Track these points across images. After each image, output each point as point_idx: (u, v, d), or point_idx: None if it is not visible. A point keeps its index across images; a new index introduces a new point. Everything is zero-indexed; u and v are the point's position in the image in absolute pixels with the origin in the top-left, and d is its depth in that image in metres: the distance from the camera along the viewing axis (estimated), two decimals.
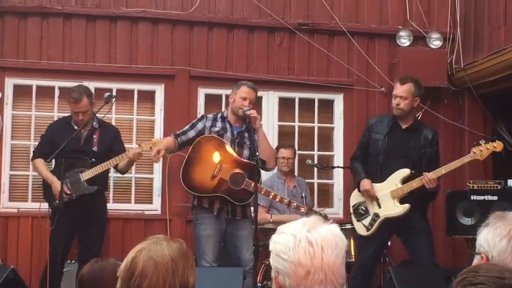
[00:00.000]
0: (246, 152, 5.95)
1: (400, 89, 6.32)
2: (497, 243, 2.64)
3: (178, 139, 6.28)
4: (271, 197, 6.08)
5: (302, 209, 6.06)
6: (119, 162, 6.61)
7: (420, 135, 6.38)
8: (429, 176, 6.06)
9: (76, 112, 6.50)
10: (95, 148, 6.59)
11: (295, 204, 6.11)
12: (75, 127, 6.54)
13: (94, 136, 6.63)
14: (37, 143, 7.02)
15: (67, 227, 6.32)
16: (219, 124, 6.23)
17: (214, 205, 6.07)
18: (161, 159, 6.45)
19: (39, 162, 6.64)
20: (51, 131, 6.72)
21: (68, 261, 6.77)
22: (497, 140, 6.27)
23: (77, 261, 6.69)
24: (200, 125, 6.31)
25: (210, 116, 6.36)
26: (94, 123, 6.68)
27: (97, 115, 6.72)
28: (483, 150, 6.12)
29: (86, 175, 6.48)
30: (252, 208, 6.13)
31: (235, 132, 6.17)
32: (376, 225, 6.24)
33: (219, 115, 6.32)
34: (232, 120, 6.22)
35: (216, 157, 6.01)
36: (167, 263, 2.36)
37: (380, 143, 6.37)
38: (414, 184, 6.15)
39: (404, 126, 6.40)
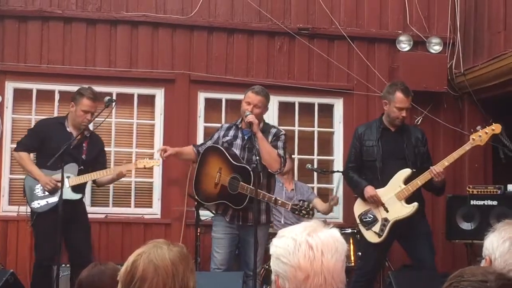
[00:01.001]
0: (255, 157, 5.95)
1: (407, 102, 6.32)
2: (500, 246, 2.68)
3: (199, 148, 6.50)
4: (260, 197, 6.07)
5: (287, 206, 6.06)
6: (108, 175, 6.63)
7: (410, 135, 6.43)
8: (437, 169, 6.08)
9: (87, 111, 6.46)
10: (84, 156, 6.52)
11: (280, 201, 6.11)
12: (68, 129, 6.51)
13: (84, 145, 6.56)
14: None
15: (51, 230, 6.29)
16: (231, 132, 6.31)
17: (227, 212, 6.16)
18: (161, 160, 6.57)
19: (25, 155, 6.56)
20: (44, 128, 6.62)
21: (64, 265, 6.70)
22: (493, 123, 6.26)
23: (70, 266, 6.61)
24: (215, 135, 6.46)
25: (226, 125, 6.49)
26: (86, 132, 6.62)
27: (96, 119, 6.69)
28: (482, 135, 6.13)
29: (72, 181, 6.42)
30: (264, 216, 6.21)
31: (245, 137, 6.21)
32: (387, 230, 6.19)
33: (234, 124, 6.39)
34: (244, 126, 6.26)
35: (216, 165, 6.16)
36: (167, 267, 2.37)
37: (375, 149, 6.37)
38: (419, 181, 6.16)
39: (393, 129, 6.42)
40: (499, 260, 2.63)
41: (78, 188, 6.50)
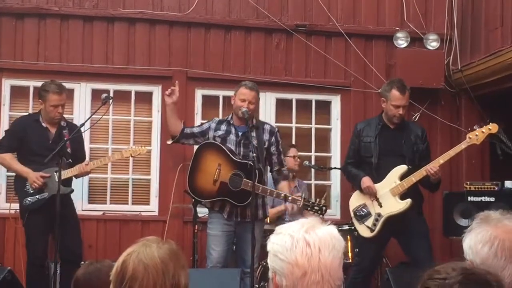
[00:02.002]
0: (251, 153, 5.94)
1: (404, 99, 6.29)
2: (479, 250, 2.58)
3: (186, 128, 6.43)
4: (268, 194, 6.08)
5: (298, 203, 6.04)
6: (100, 164, 6.61)
7: (409, 132, 6.43)
8: (433, 168, 6.07)
9: (56, 105, 6.42)
10: (69, 150, 6.45)
11: (290, 197, 6.08)
12: (44, 125, 6.50)
13: (65, 138, 6.43)
14: None
15: (43, 227, 6.29)
16: (223, 127, 6.28)
17: (224, 208, 6.13)
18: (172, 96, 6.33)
19: (9, 156, 6.53)
20: (21, 127, 6.60)
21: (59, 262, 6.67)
22: (490, 123, 6.27)
23: (60, 263, 6.42)
24: (205, 125, 6.42)
25: (217, 119, 6.45)
26: (62, 122, 6.61)
27: (94, 116, 6.69)
28: (478, 134, 6.13)
29: (62, 175, 6.21)
30: (261, 211, 6.23)
31: (239, 133, 6.20)
32: (379, 224, 6.21)
33: (226, 119, 6.38)
34: (236, 122, 6.25)
35: (214, 162, 6.10)
36: (156, 265, 2.36)
37: (372, 145, 6.38)
38: (414, 178, 6.16)
39: (392, 127, 6.42)
40: (482, 267, 2.55)
41: (67, 182, 6.47)
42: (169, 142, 6.59)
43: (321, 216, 5.93)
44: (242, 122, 6.17)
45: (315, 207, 5.94)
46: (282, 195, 6.07)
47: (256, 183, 5.77)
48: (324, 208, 5.98)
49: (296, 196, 6.15)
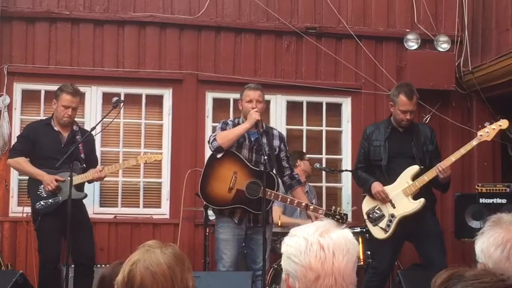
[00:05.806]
0: (263, 159, 5.91)
1: (411, 105, 6.27)
2: (492, 253, 2.57)
3: None
4: (288, 202, 6.08)
5: (320, 211, 6.03)
6: (115, 170, 6.62)
7: (419, 134, 6.42)
8: (443, 166, 6.07)
9: (67, 107, 6.42)
10: (82, 155, 6.45)
11: (312, 207, 6.07)
12: (56, 128, 6.49)
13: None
14: None
15: (55, 231, 6.30)
16: None
17: (235, 214, 6.10)
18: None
19: (22, 159, 6.52)
20: (32, 132, 6.59)
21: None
22: (501, 119, 6.26)
23: (73, 266, 6.47)
24: (230, 128, 6.29)
25: (230, 122, 6.31)
26: (74, 126, 6.61)
27: (105, 119, 6.71)
28: (489, 131, 6.13)
29: (77, 179, 6.31)
30: (271, 217, 6.22)
31: (252, 139, 6.16)
32: (393, 225, 6.19)
33: (236, 121, 6.30)
34: None
35: (230, 169, 6.06)
36: (164, 272, 2.34)
37: (382, 148, 6.37)
38: (426, 177, 6.14)
39: (401, 129, 6.41)
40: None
41: (80, 187, 6.48)
42: (219, 156, 6.13)
43: (343, 223, 5.88)
44: (253, 126, 6.16)
45: (337, 216, 5.94)
46: (303, 204, 6.04)
47: (277, 192, 5.84)
48: (345, 216, 5.99)
49: (316, 206, 6.14)
